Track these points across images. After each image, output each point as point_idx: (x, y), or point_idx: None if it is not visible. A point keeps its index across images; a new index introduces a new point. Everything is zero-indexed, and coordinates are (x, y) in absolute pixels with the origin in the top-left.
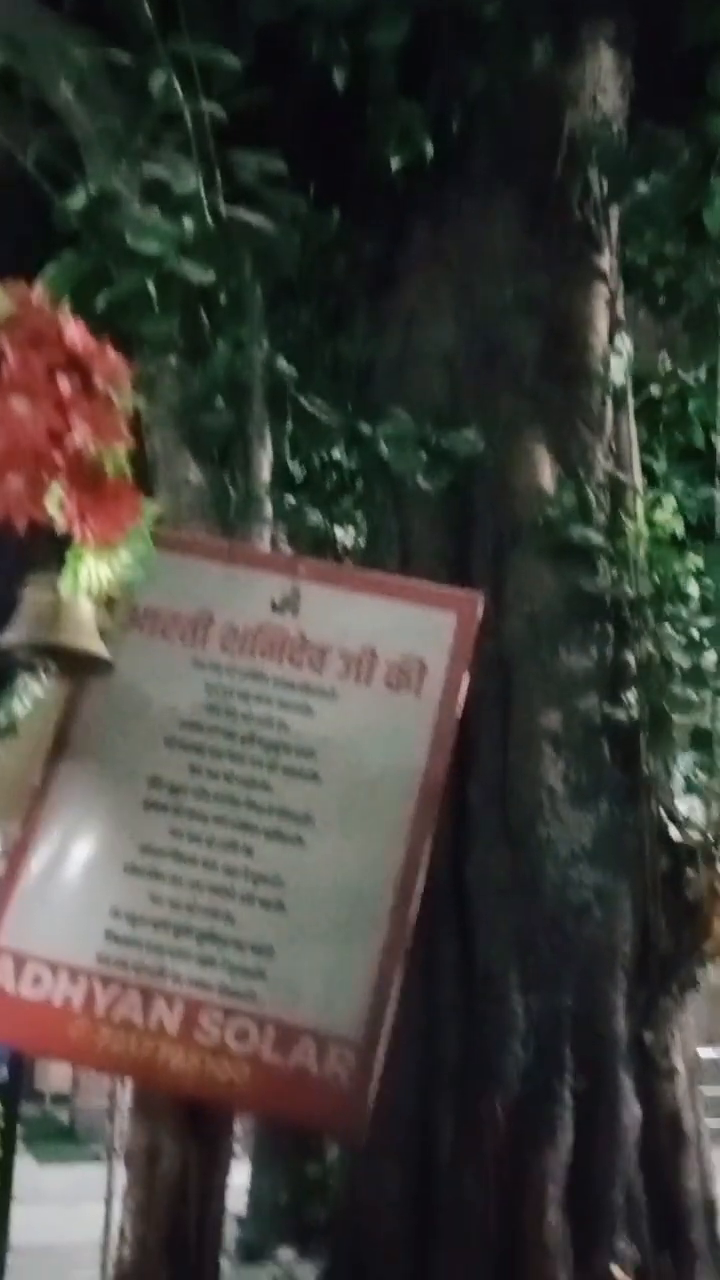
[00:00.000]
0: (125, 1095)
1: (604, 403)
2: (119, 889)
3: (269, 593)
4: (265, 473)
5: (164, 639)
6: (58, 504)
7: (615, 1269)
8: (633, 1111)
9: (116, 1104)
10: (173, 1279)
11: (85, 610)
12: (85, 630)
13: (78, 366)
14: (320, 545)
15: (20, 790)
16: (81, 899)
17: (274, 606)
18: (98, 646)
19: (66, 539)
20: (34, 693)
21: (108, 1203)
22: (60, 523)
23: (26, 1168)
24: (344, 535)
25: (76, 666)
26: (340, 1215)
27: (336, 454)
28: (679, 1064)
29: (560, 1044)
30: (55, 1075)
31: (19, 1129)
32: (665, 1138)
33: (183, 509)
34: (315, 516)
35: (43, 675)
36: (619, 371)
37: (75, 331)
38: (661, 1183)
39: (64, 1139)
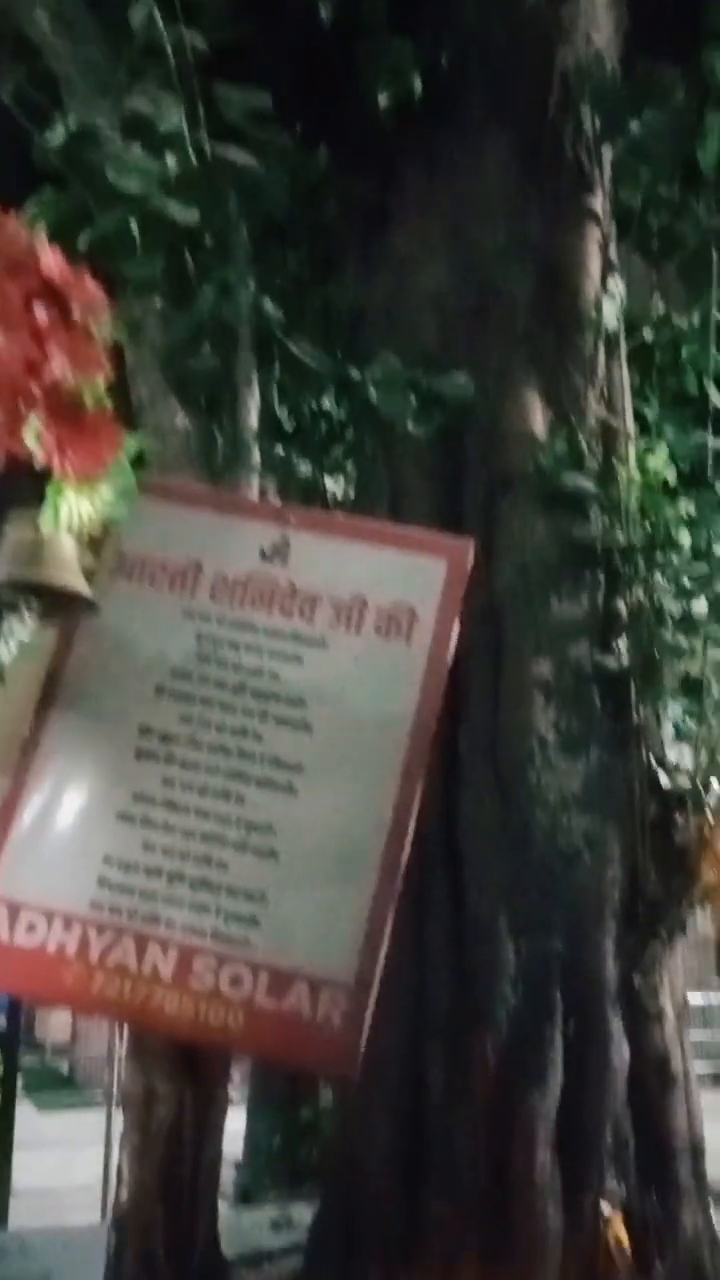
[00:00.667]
0: (123, 1042)
1: (596, 347)
2: (111, 837)
3: (258, 541)
4: (253, 419)
5: (153, 588)
6: (36, 437)
7: (604, 1207)
8: (621, 1054)
9: (115, 1051)
10: (169, 1219)
11: (67, 547)
12: (68, 568)
13: (55, 296)
14: (310, 496)
15: (11, 742)
16: (74, 847)
17: (263, 555)
18: (81, 584)
19: (46, 474)
20: (18, 636)
21: (107, 1147)
22: (39, 456)
23: (27, 1115)
24: (334, 486)
25: (60, 606)
26: (332, 1157)
27: (326, 403)
28: (667, 1007)
29: (550, 987)
30: (55, 1026)
31: (19, 1078)
32: (653, 1079)
33: (169, 456)
34: (305, 467)
35: (26, 616)
36: (611, 315)
37: (52, 260)
38: (649, 1123)
39: (63, 1087)
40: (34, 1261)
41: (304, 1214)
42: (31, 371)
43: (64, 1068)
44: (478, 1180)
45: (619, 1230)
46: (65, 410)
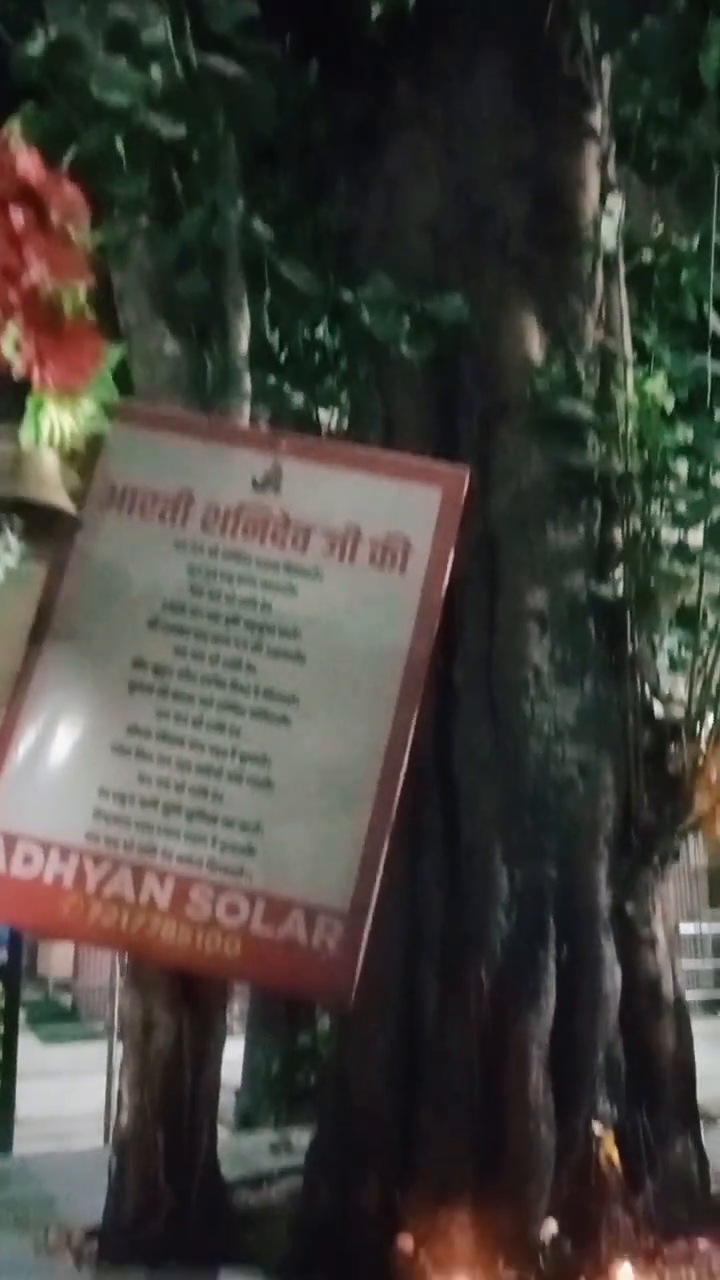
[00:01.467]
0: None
1: (594, 270)
2: (106, 769)
3: (250, 470)
4: (243, 344)
5: (143, 519)
6: (14, 346)
7: (595, 1127)
8: (614, 978)
9: (117, 984)
10: (169, 1143)
11: (49, 463)
12: (49, 484)
13: (31, 199)
14: (303, 428)
15: (4, 677)
16: (69, 779)
17: (255, 484)
18: (64, 501)
19: (25, 387)
20: (4, 562)
21: (109, 1076)
22: (18, 367)
23: (31, 1047)
24: (328, 418)
25: (44, 525)
26: (330, 1081)
27: (319, 331)
28: (660, 933)
29: (543, 914)
30: (57, 961)
31: (22, 1012)
32: (645, 1003)
33: (159, 383)
34: (298, 398)
35: (9, 534)
36: (610, 235)
37: (29, 162)
38: (641, 1046)
39: (66, 1020)
40: (38, 1186)
41: (302, 1138)
42: (8, 277)
43: (66, 1002)
44: (472, 1102)
45: (610, 1149)
46: (44, 319)
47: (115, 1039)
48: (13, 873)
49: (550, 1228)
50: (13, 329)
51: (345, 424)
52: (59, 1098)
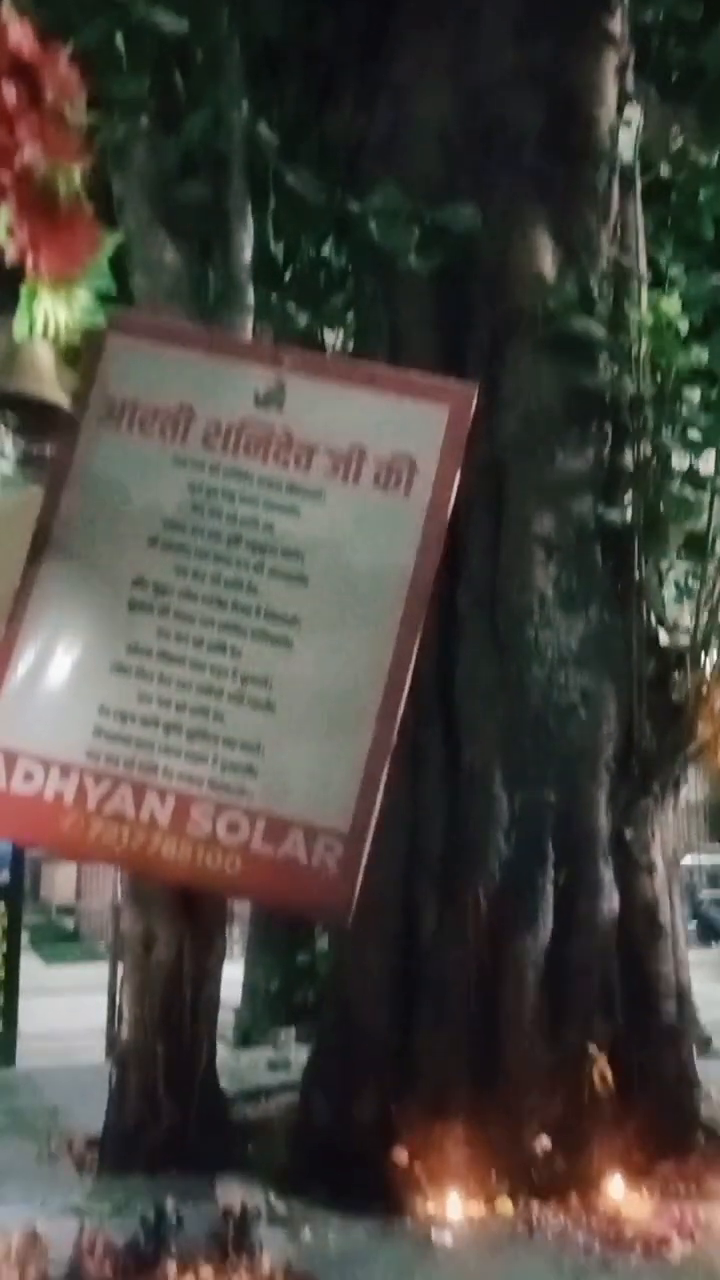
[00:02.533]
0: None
1: (610, 183)
2: (106, 687)
3: (252, 386)
4: (246, 255)
5: (143, 434)
6: (6, 230)
7: (589, 1046)
8: (611, 902)
9: (119, 903)
10: (169, 1055)
11: (44, 357)
12: (45, 378)
13: (25, 75)
14: (308, 349)
15: (3, 596)
16: (69, 697)
17: (258, 400)
18: (59, 396)
19: (19, 275)
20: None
21: (111, 995)
22: (11, 253)
23: (33, 968)
24: (332, 338)
25: (39, 422)
26: (329, 997)
27: (324, 249)
28: (658, 860)
29: (542, 837)
30: (60, 885)
31: (25, 934)
32: (641, 927)
33: (159, 294)
34: (302, 318)
35: (3, 432)
36: (627, 148)
37: (21, 34)
38: (637, 969)
39: (69, 941)
40: (41, 1097)
41: (299, 1055)
42: (0, 157)
43: (69, 925)
44: (468, 1020)
45: (603, 1068)
46: (38, 202)
47: (118, 960)
48: (13, 789)
49: (543, 1142)
50: (4, 212)
51: (350, 344)
52: (61, 1015)
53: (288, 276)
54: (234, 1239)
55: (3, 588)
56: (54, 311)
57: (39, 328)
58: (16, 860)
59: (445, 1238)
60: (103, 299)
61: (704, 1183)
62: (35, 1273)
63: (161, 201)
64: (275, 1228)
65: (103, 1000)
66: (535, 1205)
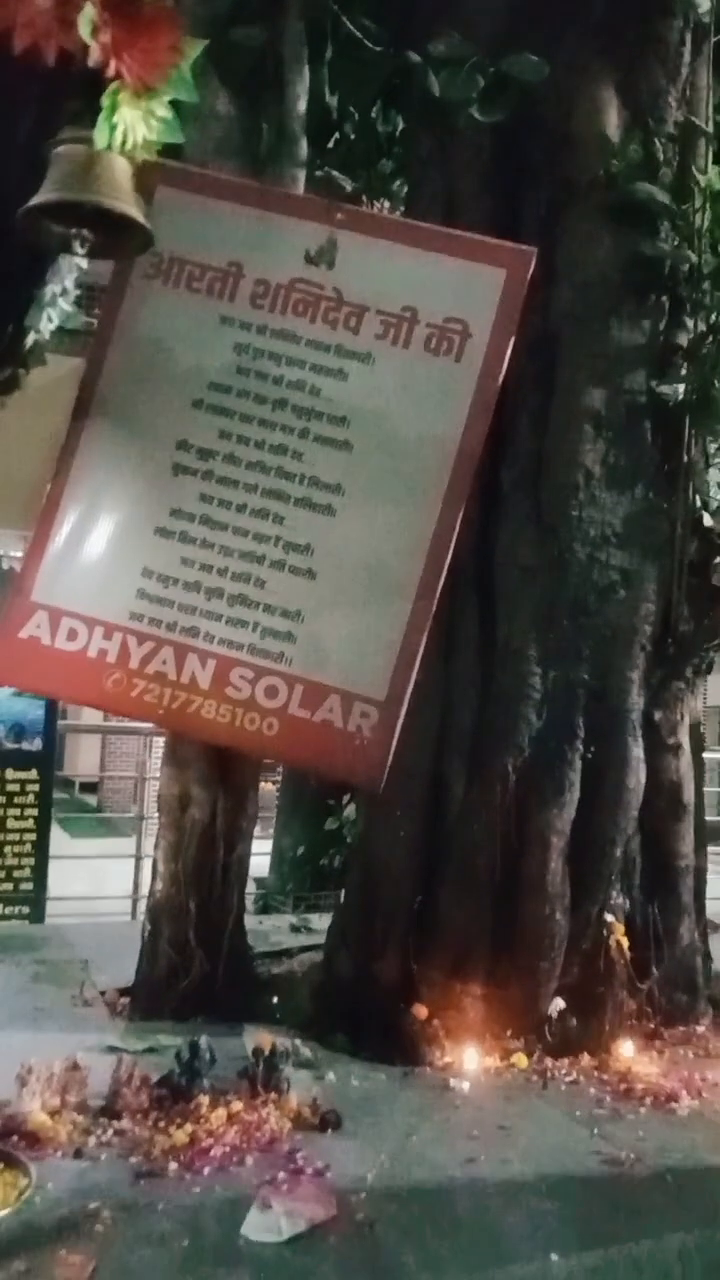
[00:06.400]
0: (151, 764)
1: (682, 39)
2: (149, 550)
3: (303, 243)
4: (301, 106)
5: (190, 291)
6: (90, 28)
7: (607, 915)
8: (638, 778)
9: (143, 775)
10: (200, 909)
11: (122, 169)
12: (123, 192)
13: None
14: None
15: (35, 498)
16: (112, 558)
17: (308, 258)
18: (136, 212)
19: (98, 87)
20: (59, 312)
21: (136, 862)
22: (94, 53)
23: (59, 839)
24: (378, 209)
25: (114, 240)
26: (355, 860)
27: (373, 113)
28: (685, 742)
29: (573, 714)
30: (84, 763)
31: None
32: (665, 805)
33: (209, 145)
34: (347, 184)
35: (79, 250)
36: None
37: None
38: (657, 846)
39: (92, 814)
40: (72, 950)
41: (322, 922)
42: None
43: (92, 802)
44: (491, 884)
45: (620, 937)
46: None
47: (142, 834)
48: (57, 645)
49: (558, 1004)
50: (90, 8)
51: (402, 210)
52: (86, 881)
53: (334, 140)
54: (263, 1076)
55: (34, 491)
56: (133, 126)
57: (118, 140)
58: (49, 728)
59: (463, 1085)
60: (181, 114)
61: (711, 1048)
62: (76, 1099)
63: (214, 46)
64: (301, 1070)
65: (126, 869)
66: (550, 1061)
